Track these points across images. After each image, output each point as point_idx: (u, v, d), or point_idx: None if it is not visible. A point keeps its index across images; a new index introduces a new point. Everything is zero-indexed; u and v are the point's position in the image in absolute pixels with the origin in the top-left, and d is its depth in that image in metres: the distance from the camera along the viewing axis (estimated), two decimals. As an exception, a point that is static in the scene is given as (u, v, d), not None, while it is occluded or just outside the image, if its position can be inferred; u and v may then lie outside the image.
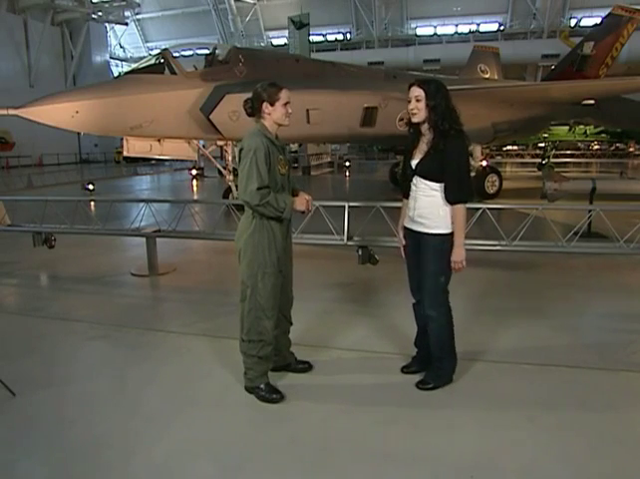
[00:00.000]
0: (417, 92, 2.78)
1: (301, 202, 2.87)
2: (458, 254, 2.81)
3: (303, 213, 2.93)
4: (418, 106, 2.78)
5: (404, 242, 3.09)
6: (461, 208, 2.78)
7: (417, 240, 2.94)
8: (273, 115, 2.83)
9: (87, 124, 7.53)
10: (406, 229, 3.04)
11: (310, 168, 21.92)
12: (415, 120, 2.83)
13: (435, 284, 2.90)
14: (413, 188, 2.92)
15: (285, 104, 2.83)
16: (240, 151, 2.80)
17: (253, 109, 2.87)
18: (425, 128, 2.84)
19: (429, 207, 2.83)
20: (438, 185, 2.80)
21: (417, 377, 3.11)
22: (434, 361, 3.06)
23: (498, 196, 11.58)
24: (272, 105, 2.81)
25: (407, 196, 3.00)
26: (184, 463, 2.38)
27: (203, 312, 4.47)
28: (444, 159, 2.74)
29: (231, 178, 10.07)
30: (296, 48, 23.60)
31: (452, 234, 2.83)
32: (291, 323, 3.20)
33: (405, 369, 3.22)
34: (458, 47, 32.19)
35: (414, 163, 2.89)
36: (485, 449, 2.45)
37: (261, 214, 2.77)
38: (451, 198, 2.77)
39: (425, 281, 2.93)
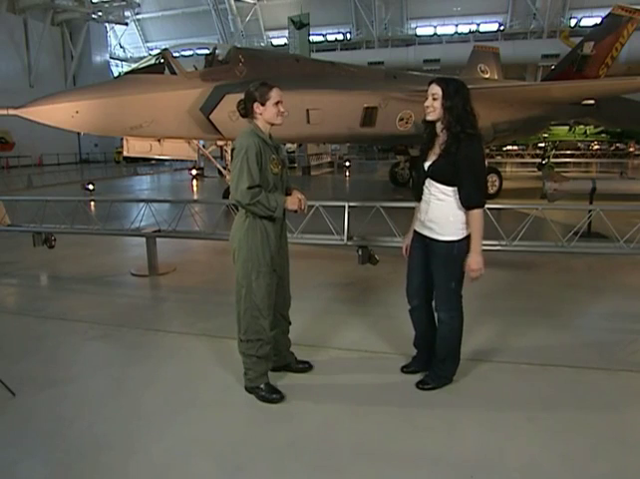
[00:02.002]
0: (435, 90, 2.72)
1: (293, 201, 2.84)
2: (474, 262, 2.71)
3: (296, 212, 2.90)
4: (434, 104, 2.72)
5: (407, 244, 3.05)
6: (477, 212, 2.68)
7: (425, 245, 2.89)
8: (265, 114, 2.82)
9: (87, 124, 7.52)
10: (415, 232, 2.99)
11: (310, 168, 21.92)
12: (429, 118, 2.77)
13: (446, 290, 2.86)
14: (425, 191, 2.85)
15: (277, 103, 2.81)
16: (232, 151, 2.81)
17: (246, 110, 2.87)
18: (439, 128, 2.77)
19: (440, 211, 2.77)
20: (451, 189, 2.72)
21: (417, 377, 3.11)
22: (436, 362, 3.04)
23: (498, 196, 11.58)
24: (263, 105, 2.80)
25: (419, 199, 2.94)
26: (184, 463, 2.38)
27: (203, 312, 4.47)
28: (457, 162, 2.65)
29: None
30: (296, 48, 23.57)
31: (461, 240, 2.75)
32: (290, 323, 3.20)
33: (405, 369, 3.22)
34: (458, 47, 32.21)
35: (427, 165, 2.83)
36: (486, 449, 2.45)
37: (253, 212, 2.77)
38: (467, 202, 2.68)
39: (436, 286, 2.90)
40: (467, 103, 2.70)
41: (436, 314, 3.02)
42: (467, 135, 2.66)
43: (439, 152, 2.77)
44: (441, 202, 2.76)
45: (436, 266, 2.85)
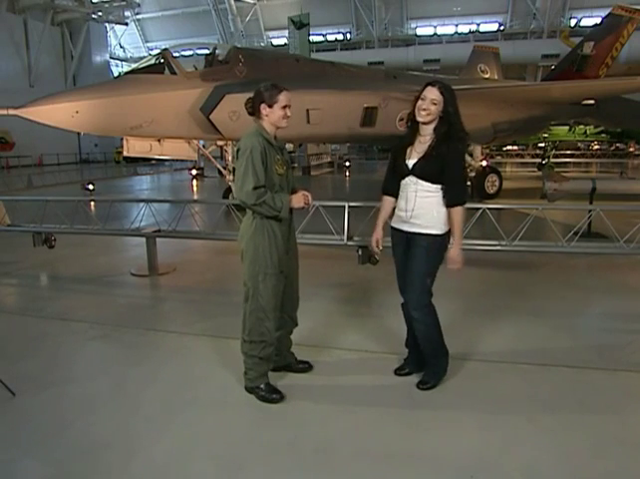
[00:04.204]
0: (435, 95, 2.74)
1: (298, 199, 2.84)
2: (456, 254, 2.84)
3: (303, 208, 2.91)
4: (432, 109, 2.74)
5: (379, 235, 3.10)
6: (459, 210, 2.81)
7: (407, 241, 2.93)
8: (271, 117, 2.82)
9: (87, 124, 7.53)
10: (394, 229, 3.01)
11: (310, 168, 21.91)
12: (423, 119, 2.77)
13: (421, 285, 2.89)
14: (408, 188, 2.88)
15: (284, 107, 2.81)
16: (237, 151, 2.81)
17: (254, 108, 2.87)
18: (428, 129, 2.81)
19: (425, 207, 2.83)
20: (434, 186, 2.80)
21: (414, 378, 3.11)
22: (429, 360, 3.06)
23: (498, 196, 11.60)
24: (270, 107, 2.80)
25: (391, 194, 3.02)
26: (184, 463, 2.38)
27: (203, 312, 4.47)
28: (444, 162, 2.74)
29: (231, 178, 10.06)
30: (296, 48, 23.60)
31: (443, 234, 2.84)
32: (296, 324, 3.19)
33: (398, 371, 3.21)
34: (458, 47, 32.20)
35: (410, 163, 2.86)
36: (485, 449, 2.45)
37: (258, 213, 2.77)
38: (452, 201, 2.79)
39: (411, 282, 2.91)
40: (457, 107, 2.80)
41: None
42: (456, 137, 2.76)
43: (424, 151, 2.82)
44: (426, 199, 2.83)
45: (416, 260, 2.88)
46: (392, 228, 3.04)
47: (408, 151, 2.89)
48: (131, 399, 2.99)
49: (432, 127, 2.80)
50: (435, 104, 2.74)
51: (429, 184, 2.80)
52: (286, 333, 3.13)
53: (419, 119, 2.80)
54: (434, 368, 3.05)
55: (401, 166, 2.90)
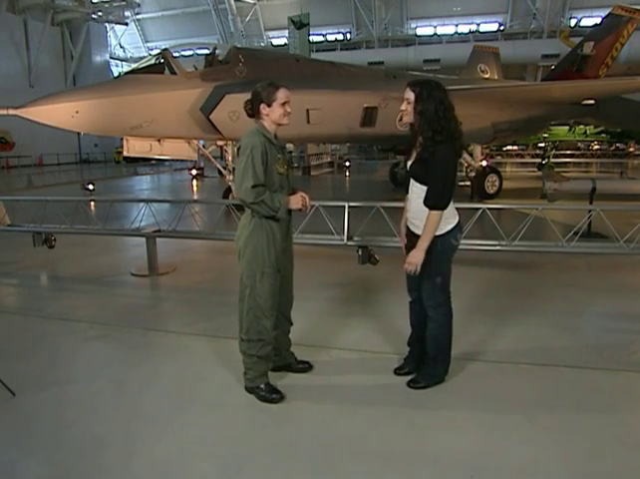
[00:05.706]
0: (408, 94, 2.78)
1: (296, 200, 2.83)
2: (414, 256, 2.78)
3: (300, 210, 2.91)
4: (408, 108, 2.79)
5: (405, 241, 3.09)
6: (434, 214, 2.74)
7: (414, 240, 2.94)
8: (271, 115, 2.82)
9: (87, 124, 7.53)
10: (407, 228, 3.05)
11: (310, 168, 21.91)
12: (404, 120, 2.85)
13: (431, 285, 2.90)
14: (409, 189, 2.93)
15: (283, 103, 2.82)
16: (238, 149, 2.81)
17: (253, 110, 2.87)
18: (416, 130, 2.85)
19: (418, 208, 2.83)
20: (426, 188, 2.80)
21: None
22: (427, 360, 3.06)
23: (498, 196, 11.59)
24: (269, 105, 2.80)
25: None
26: (184, 463, 2.38)
27: (203, 312, 4.47)
28: (429, 164, 2.74)
29: (231, 178, 10.07)
30: (296, 48, 23.62)
31: (443, 235, 2.81)
32: (291, 324, 3.20)
33: (397, 371, 3.21)
34: (458, 47, 32.22)
35: (409, 164, 2.92)
36: (485, 449, 2.45)
37: (256, 212, 2.77)
38: (428, 202, 2.75)
39: (422, 282, 2.94)
40: (439, 106, 2.70)
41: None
42: (438, 141, 2.69)
43: (416, 152, 2.85)
44: (419, 199, 2.82)
45: (422, 262, 2.87)
46: (407, 227, 3.06)
47: (412, 152, 2.92)
48: (131, 399, 2.99)
49: (416, 128, 2.80)
50: (409, 103, 2.77)
51: (422, 185, 2.81)
52: (283, 333, 3.13)
53: (403, 120, 2.87)
54: (430, 371, 3.05)
55: (404, 167, 2.95)
